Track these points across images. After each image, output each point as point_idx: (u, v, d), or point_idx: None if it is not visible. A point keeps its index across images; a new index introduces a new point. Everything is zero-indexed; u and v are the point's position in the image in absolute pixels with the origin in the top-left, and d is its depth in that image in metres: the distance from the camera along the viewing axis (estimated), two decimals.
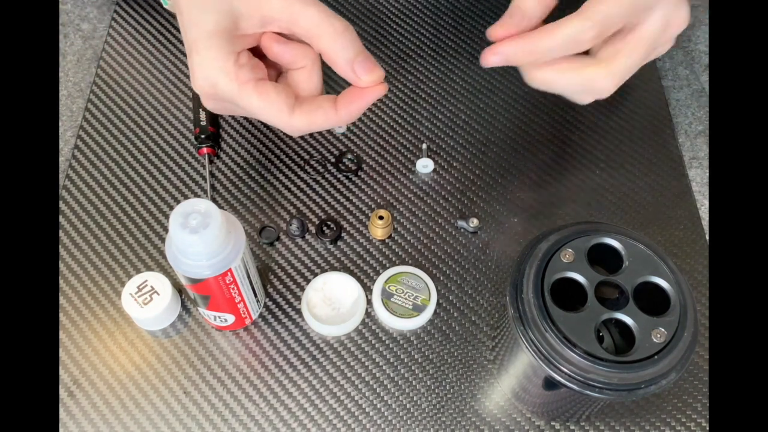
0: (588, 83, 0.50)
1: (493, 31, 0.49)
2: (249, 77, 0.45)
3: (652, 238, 0.61)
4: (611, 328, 0.50)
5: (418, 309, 0.57)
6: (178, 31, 0.49)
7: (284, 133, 0.68)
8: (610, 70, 0.49)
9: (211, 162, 0.66)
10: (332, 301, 0.58)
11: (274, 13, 0.45)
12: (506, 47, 0.48)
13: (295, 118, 0.46)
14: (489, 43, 0.50)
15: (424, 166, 0.65)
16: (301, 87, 0.48)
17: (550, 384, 0.47)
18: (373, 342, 0.57)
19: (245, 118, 0.68)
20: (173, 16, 0.69)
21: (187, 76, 0.70)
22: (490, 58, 0.49)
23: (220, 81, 0.45)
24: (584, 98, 0.52)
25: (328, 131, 0.68)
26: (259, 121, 0.69)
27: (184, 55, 0.71)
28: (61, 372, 0.55)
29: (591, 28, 0.47)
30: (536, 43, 0.48)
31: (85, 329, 0.57)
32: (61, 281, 0.59)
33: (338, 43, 0.45)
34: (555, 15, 0.49)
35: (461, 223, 0.63)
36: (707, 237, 0.63)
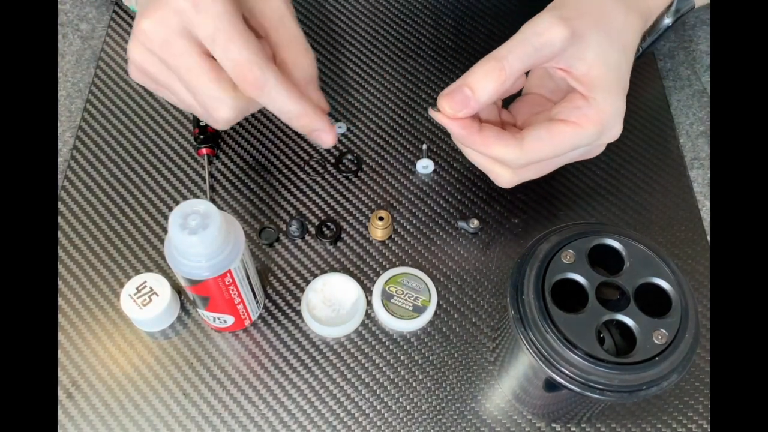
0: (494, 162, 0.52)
1: (441, 105, 0.48)
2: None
3: (653, 239, 0.61)
4: (612, 330, 0.50)
5: (419, 310, 0.57)
6: None
7: (284, 134, 0.68)
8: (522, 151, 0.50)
9: (210, 162, 0.66)
10: (332, 302, 0.58)
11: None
12: (452, 125, 0.48)
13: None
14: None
15: (425, 166, 0.66)
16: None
17: (550, 385, 0.47)
18: (373, 343, 0.57)
19: (245, 119, 0.69)
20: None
21: None
22: (435, 114, 0.49)
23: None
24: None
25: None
26: (259, 122, 0.69)
27: None
28: (60, 374, 0.55)
29: (519, 158, 0.48)
30: (472, 143, 0.49)
31: (84, 331, 0.57)
32: (59, 282, 0.59)
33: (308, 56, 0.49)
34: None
35: (462, 223, 0.63)
36: (708, 238, 0.63)
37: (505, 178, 0.52)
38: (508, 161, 0.49)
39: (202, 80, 0.45)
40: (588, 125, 0.47)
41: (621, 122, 0.49)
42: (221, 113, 0.46)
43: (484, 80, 0.46)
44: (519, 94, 0.55)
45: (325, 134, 0.49)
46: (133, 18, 0.75)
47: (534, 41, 0.46)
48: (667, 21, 0.57)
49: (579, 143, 0.48)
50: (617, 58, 0.48)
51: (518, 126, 0.53)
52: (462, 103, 0.47)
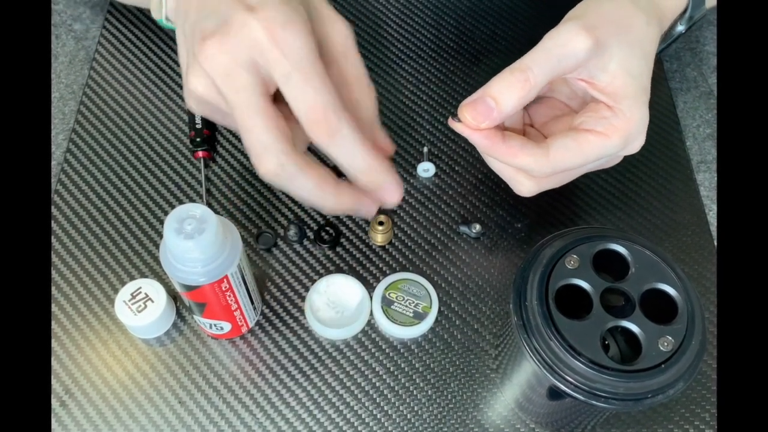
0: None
1: (463, 115, 0.48)
2: None
3: (659, 244, 0.62)
4: (617, 337, 0.50)
5: (419, 317, 0.58)
6: (174, 31, 0.50)
7: None
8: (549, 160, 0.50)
9: (206, 166, 0.66)
10: (336, 304, 0.59)
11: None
12: (474, 136, 0.48)
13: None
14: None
15: (426, 170, 0.66)
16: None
17: (554, 394, 0.47)
18: (373, 350, 0.57)
19: None
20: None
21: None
22: (456, 125, 0.49)
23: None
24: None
25: None
26: None
27: None
28: (53, 381, 0.55)
29: (544, 168, 0.49)
30: (496, 153, 0.49)
31: (78, 338, 0.57)
32: (53, 288, 0.59)
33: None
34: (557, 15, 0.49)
35: (463, 228, 0.63)
36: (715, 243, 0.63)
37: (526, 186, 0.52)
38: (533, 171, 0.49)
39: (257, 123, 0.43)
40: (614, 135, 0.48)
41: (645, 133, 0.50)
42: (265, 163, 0.43)
43: (508, 92, 0.46)
44: None
45: (390, 191, 0.46)
46: (132, 25, 0.75)
47: (557, 52, 0.47)
48: (680, 28, 0.57)
49: (605, 153, 0.49)
50: (640, 67, 0.49)
51: (535, 127, 0.54)
52: (485, 115, 0.47)
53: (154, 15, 0.54)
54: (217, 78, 0.43)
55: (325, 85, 0.43)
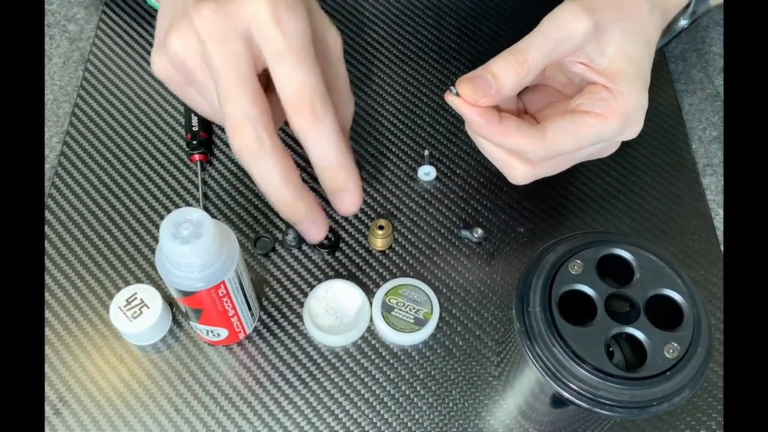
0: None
1: (462, 88, 0.48)
2: None
3: (664, 249, 0.61)
4: (622, 343, 0.50)
5: (420, 323, 0.58)
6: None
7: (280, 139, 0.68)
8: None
9: (203, 169, 0.66)
10: (335, 310, 0.59)
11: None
12: (470, 112, 0.48)
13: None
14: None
15: (426, 173, 0.66)
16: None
17: (557, 401, 0.47)
18: (373, 357, 0.57)
19: None
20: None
21: None
22: (453, 99, 0.49)
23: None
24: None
25: None
26: None
27: None
28: (47, 389, 0.55)
29: (540, 150, 0.48)
30: (491, 133, 0.49)
31: (72, 344, 0.57)
32: (46, 294, 0.59)
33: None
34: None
35: (465, 232, 0.63)
36: (722, 247, 0.63)
37: (520, 172, 0.51)
38: (528, 153, 0.49)
39: (242, 93, 0.43)
40: (612, 117, 0.48)
41: (643, 117, 0.49)
42: (243, 135, 0.43)
43: (506, 72, 0.47)
44: None
45: (350, 196, 0.47)
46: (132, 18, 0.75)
47: (556, 34, 0.47)
48: (683, 23, 0.57)
49: (602, 136, 0.49)
50: (640, 53, 0.49)
51: (530, 114, 0.54)
52: (484, 91, 0.47)
53: None
54: (208, 40, 0.43)
55: (316, 72, 0.43)
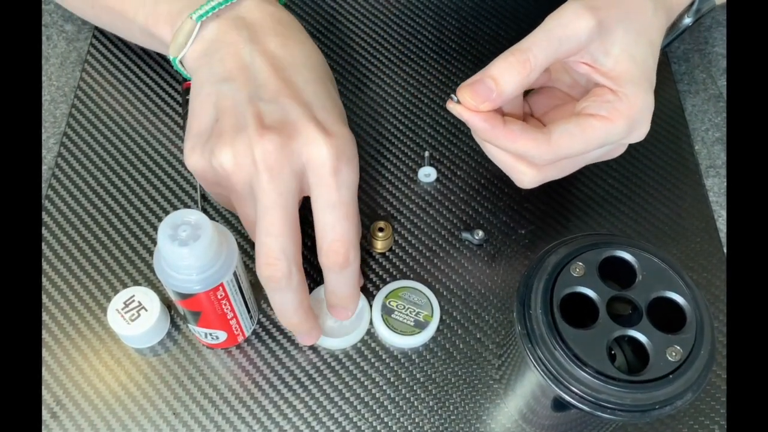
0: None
1: (462, 96, 0.48)
2: None
3: (666, 251, 0.61)
4: (624, 346, 0.50)
5: (420, 326, 0.58)
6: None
7: None
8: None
9: None
10: None
11: None
12: (473, 119, 0.48)
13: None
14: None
15: (427, 175, 0.66)
16: None
17: (559, 405, 0.47)
18: (373, 360, 0.57)
19: None
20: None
21: (177, 79, 0.70)
22: (455, 107, 0.49)
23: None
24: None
25: None
26: None
27: None
28: (44, 392, 0.55)
29: (546, 154, 0.48)
30: (495, 138, 0.49)
31: (69, 347, 0.57)
32: (43, 296, 0.59)
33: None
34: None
35: (466, 235, 0.63)
36: (725, 249, 0.63)
37: (528, 176, 0.51)
38: (534, 157, 0.49)
39: (282, 230, 0.47)
40: (618, 120, 0.48)
41: (649, 119, 0.49)
42: (277, 267, 0.48)
43: (508, 73, 0.46)
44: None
45: (345, 314, 0.56)
46: None
47: (559, 32, 0.47)
48: (687, 21, 0.57)
49: (609, 139, 0.49)
50: (644, 54, 0.49)
51: (536, 117, 0.54)
52: (484, 96, 0.47)
53: (171, 53, 0.55)
54: (265, 173, 0.46)
55: (357, 224, 0.49)
